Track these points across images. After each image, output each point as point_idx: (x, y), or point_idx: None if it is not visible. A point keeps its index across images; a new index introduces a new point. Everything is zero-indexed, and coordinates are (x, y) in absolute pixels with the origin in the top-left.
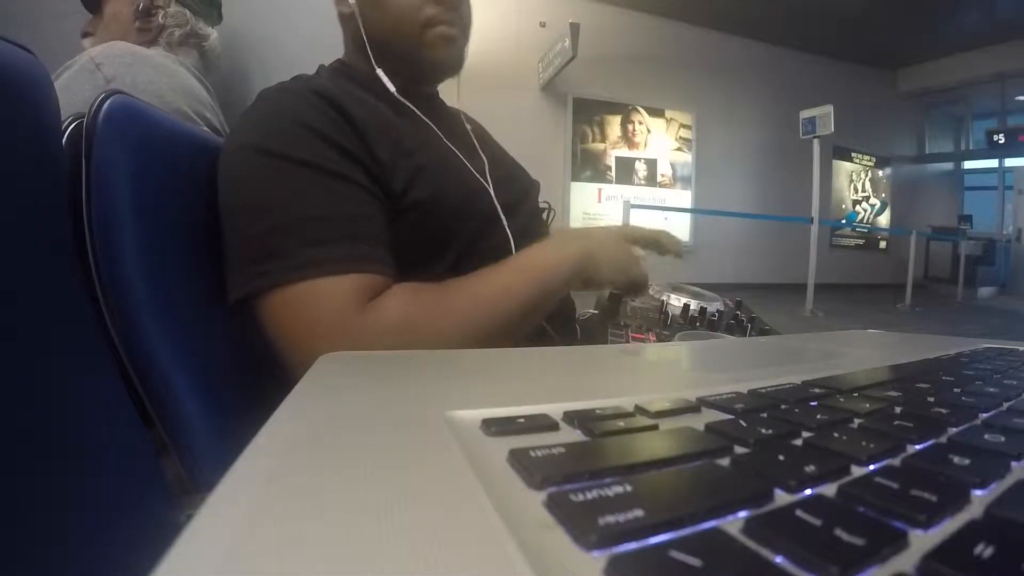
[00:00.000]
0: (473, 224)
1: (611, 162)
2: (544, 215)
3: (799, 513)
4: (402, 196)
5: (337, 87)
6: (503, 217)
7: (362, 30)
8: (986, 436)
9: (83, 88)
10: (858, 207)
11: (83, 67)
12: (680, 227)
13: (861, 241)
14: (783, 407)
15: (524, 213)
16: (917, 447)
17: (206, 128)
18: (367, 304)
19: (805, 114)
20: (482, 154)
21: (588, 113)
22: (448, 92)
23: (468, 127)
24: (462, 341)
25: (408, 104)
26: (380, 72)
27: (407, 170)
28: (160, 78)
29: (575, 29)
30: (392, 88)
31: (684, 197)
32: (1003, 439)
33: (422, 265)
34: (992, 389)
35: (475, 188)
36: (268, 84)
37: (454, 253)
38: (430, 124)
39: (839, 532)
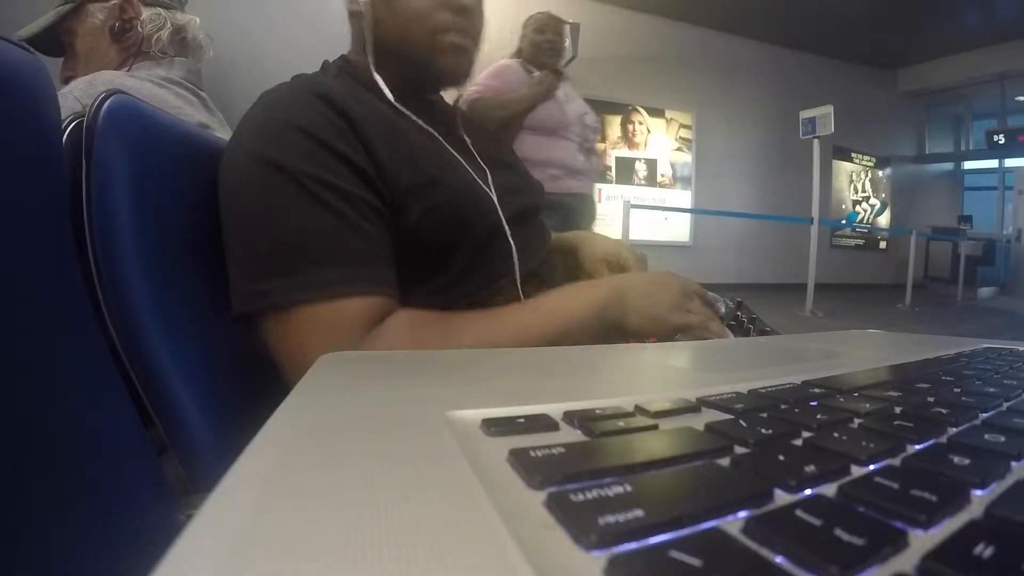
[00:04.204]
0: (476, 237)
1: (611, 162)
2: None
3: (799, 513)
4: (404, 206)
5: (341, 87)
6: (507, 229)
7: (369, 30)
8: (986, 436)
9: None
10: (858, 207)
11: (71, 109)
12: (680, 227)
13: (861, 241)
14: (783, 407)
15: (530, 226)
16: (917, 447)
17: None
18: (368, 332)
19: (805, 114)
20: (482, 162)
21: None
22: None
23: (466, 137)
24: None
25: (407, 112)
26: (378, 77)
27: (410, 180)
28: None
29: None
30: (389, 94)
31: (684, 197)
32: (1003, 439)
33: (423, 276)
34: (992, 389)
35: (480, 199)
36: (253, 80)
37: (456, 265)
38: (434, 132)
39: (839, 532)
